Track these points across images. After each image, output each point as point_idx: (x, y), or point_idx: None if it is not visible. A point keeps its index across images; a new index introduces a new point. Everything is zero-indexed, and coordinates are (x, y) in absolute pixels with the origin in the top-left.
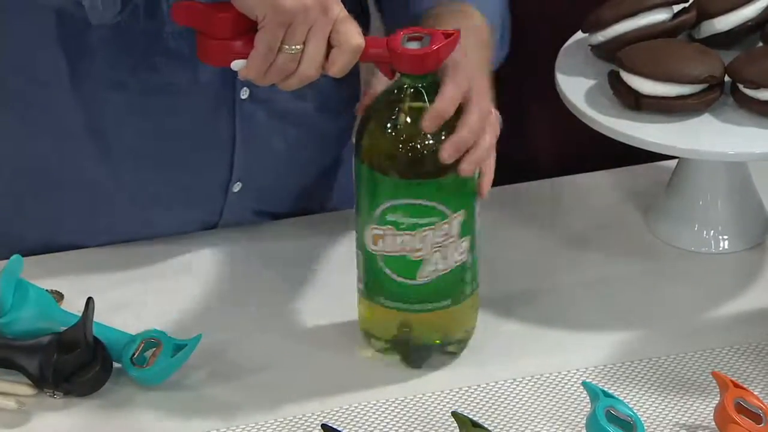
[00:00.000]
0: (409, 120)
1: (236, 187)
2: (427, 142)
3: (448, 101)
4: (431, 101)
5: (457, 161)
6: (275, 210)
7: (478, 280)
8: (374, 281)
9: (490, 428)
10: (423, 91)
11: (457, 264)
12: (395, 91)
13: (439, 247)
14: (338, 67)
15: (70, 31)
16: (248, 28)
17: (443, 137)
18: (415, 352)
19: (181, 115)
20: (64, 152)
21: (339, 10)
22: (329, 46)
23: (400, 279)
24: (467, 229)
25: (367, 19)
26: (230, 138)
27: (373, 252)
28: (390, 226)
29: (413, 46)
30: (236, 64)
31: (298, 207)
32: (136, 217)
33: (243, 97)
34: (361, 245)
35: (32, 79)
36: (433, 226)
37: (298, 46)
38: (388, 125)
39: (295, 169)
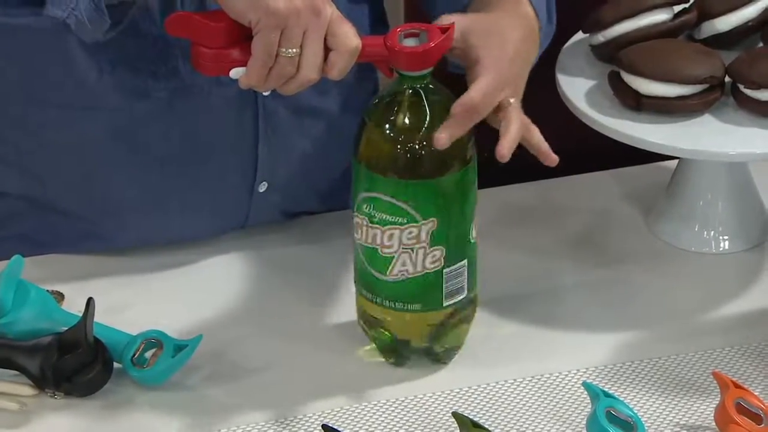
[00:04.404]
0: (403, 119)
1: (262, 187)
2: (409, 143)
3: (466, 103)
4: (427, 99)
5: (434, 167)
6: (302, 209)
7: (475, 303)
8: (358, 270)
9: (490, 428)
10: (420, 90)
11: (428, 271)
12: (390, 90)
13: (408, 249)
14: (337, 69)
15: (89, 46)
16: (243, 36)
17: (422, 139)
18: (395, 350)
19: (204, 117)
20: (89, 162)
21: (331, 12)
22: (327, 49)
23: (373, 271)
24: (440, 239)
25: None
26: (253, 137)
27: (356, 240)
28: (365, 217)
29: (410, 43)
30: (235, 72)
31: (324, 206)
32: (163, 224)
33: (265, 94)
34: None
35: (54, 95)
36: (400, 226)
37: (294, 50)
38: (385, 125)
39: (319, 167)
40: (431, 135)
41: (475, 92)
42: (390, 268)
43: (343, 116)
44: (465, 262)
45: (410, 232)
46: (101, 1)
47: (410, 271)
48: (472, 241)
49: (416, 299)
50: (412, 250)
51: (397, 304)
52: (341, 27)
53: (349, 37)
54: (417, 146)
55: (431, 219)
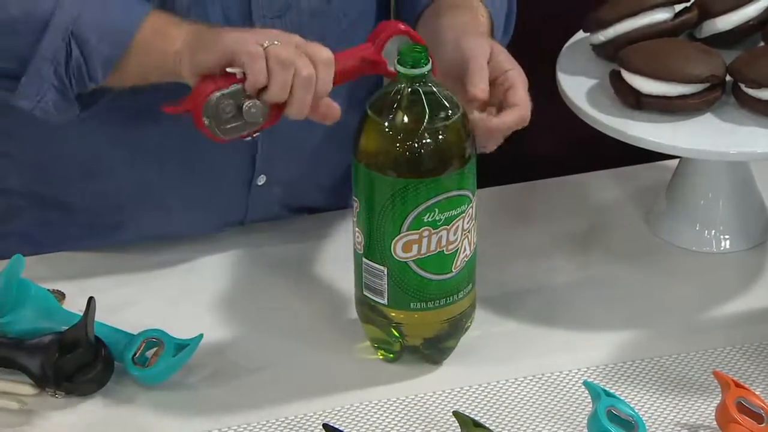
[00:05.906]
0: (428, 118)
1: (260, 180)
2: (448, 134)
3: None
4: (428, 101)
5: (435, 165)
6: (303, 204)
7: (474, 303)
8: (404, 290)
9: (491, 428)
10: (420, 90)
11: (475, 244)
12: (396, 94)
13: (467, 232)
14: (321, 82)
15: None
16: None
17: (455, 126)
18: (440, 347)
19: None
20: (89, 159)
21: (296, 38)
22: None
23: (437, 277)
24: (476, 208)
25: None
26: None
27: (404, 260)
28: (427, 227)
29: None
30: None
31: (326, 201)
32: (162, 219)
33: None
34: (383, 258)
35: None
36: (464, 214)
37: (275, 41)
38: (410, 130)
39: (319, 160)
40: (431, 132)
41: (526, 109)
42: (454, 262)
43: (344, 110)
44: None
45: (468, 215)
46: (69, 92)
47: (468, 253)
48: None
49: (470, 279)
50: (469, 232)
51: (459, 294)
52: (309, 45)
53: (321, 49)
54: (417, 144)
55: (476, 192)
